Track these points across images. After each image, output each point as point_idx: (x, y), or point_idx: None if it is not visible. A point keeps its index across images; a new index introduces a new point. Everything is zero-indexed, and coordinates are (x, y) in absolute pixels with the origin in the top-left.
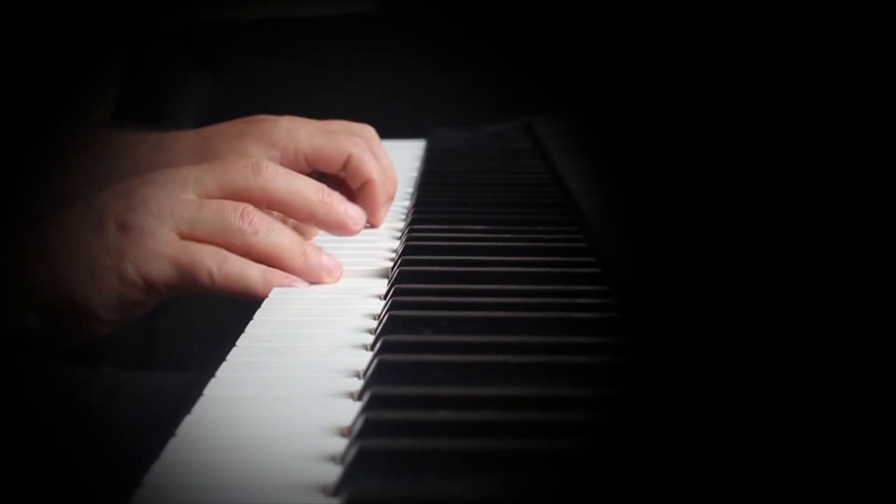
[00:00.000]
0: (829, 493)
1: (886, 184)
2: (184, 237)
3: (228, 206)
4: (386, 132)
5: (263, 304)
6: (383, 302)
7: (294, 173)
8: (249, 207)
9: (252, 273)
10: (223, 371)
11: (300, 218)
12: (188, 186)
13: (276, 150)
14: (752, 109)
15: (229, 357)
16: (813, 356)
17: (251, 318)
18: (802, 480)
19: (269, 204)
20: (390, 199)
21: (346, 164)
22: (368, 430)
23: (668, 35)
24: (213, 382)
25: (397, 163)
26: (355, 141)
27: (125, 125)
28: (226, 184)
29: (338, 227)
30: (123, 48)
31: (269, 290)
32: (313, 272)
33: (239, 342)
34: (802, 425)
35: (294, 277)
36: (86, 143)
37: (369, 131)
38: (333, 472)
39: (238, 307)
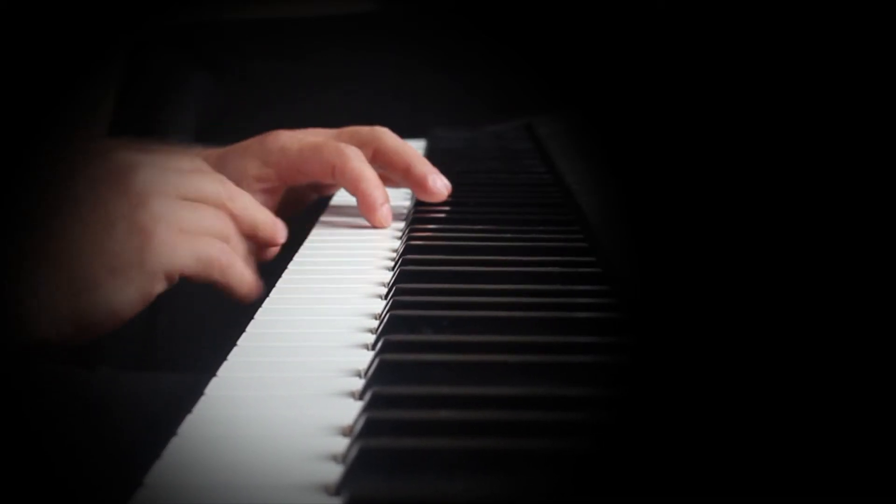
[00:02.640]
0: (829, 493)
1: (886, 184)
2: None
3: (209, 180)
4: None
5: (264, 304)
6: (384, 301)
7: (250, 202)
8: (228, 183)
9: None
10: (224, 370)
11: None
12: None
13: (269, 167)
14: (752, 109)
15: (230, 356)
16: (812, 356)
17: (252, 318)
18: (802, 480)
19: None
20: (420, 179)
21: (334, 173)
22: (370, 430)
23: (668, 35)
24: (214, 382)
25: None
26: (339, 153)
27: (124, 140)
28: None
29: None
30: (123, 48)
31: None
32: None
33: (240, 342)
34: (802, 425)
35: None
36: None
37: (378, 133)
38: (335, 472)
39: (238, 307)
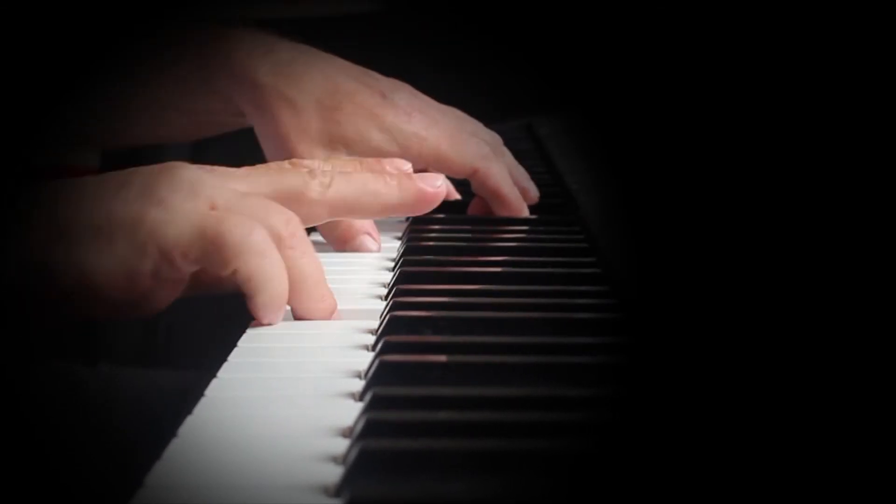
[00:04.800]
0: (829, 493)
1: (886, 184)
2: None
3: (275, 207)
4: None
5: None
6: (384, 302)
7: (346, 172)
8: (296, 219)
9: (275, 271)
10: (224, 371)
11: (373, 215)
12: (238, 179)
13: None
14: (752, 110)
15: (230, 357)
16: (811, 356)
17: (252, 318)
18: (802, 480)
19: (332, 212)
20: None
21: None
22: (370, 431)
23: (668, 35)
24: (214, 383)
25: None
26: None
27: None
28: (279, 187)
29: (418, 202)
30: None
31: (272, 306)
32: (309, 314)
33: (240, 343)
34: (801, 425)
35: (281, 314)
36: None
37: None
38: (335, 473)
39: (239, 306)
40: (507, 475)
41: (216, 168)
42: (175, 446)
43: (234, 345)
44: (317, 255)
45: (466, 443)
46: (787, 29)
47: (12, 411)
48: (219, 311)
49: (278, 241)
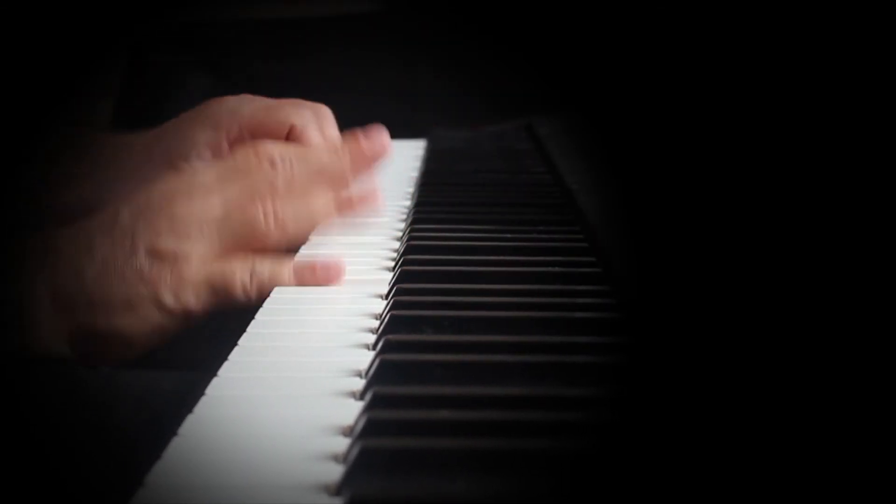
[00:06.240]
0: (829, 493)
1: (886, 184)
2: (216, 253)
3: (250, 205)
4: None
5: (265, 304)
6: (385, 301)
7: (302, 148)
8: (265, 152)
9: (283, 273)
10: (225, 370)
11: (336, 186)
12: (212, 195)
13: (220, 131)
14: (752, 110)
15: (231, 356)
16: (811, 356)
17: (253, 318)
18: (801, 480)
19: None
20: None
21: (289, 134)
22: (370, 430)
23: (668, 35)
24: (215, 382)
25: (397, 163)
26: (300, 112)
27: (119, 130)
28: (249, 190)
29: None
30: (123, 48)
31: (302, 283)
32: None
33: (241, 341)
34: (801, 425)
35: (321, 274)
36: (78, 149)
37: (322, 110)
38: (335, 472)
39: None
40: (507, 474)
41: (184, 182)
42: (176, 445)
43: (234, 344)
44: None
45: (467, 442)
46: (788, 29)
47: (13, 411)
48: (219, 311)
49: (266, 221)
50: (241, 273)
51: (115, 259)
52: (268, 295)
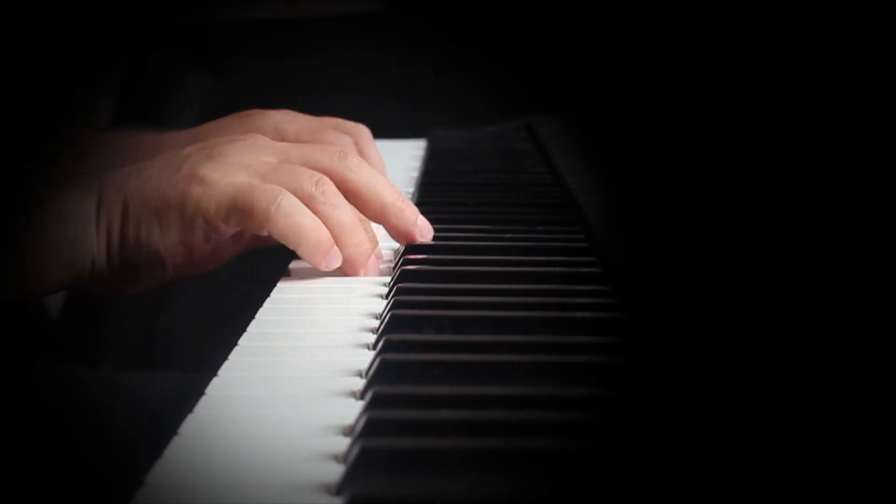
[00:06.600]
0: (829, 494)
1: (886, 185)
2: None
3: (306, 171)
4: (386, 132)
5: (265, 304)
6: (385, 301)
7: (376, 172)
8: (325, 179)
9: (307, 222)
10: (225, 370)
11: (371, 215)
12: (272, 153)
13: None
14: (752, 110)
15: (231, 356)
16: (811, 356)
17: (253, 318)
18: (801, 480)
19: (345, 193)
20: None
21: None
22: (371, 430)
23: (667, 35)
24: (215, 381)
25: (397, 163)
26: (341, 140)
27: (122, 128)
28: (310, 160)
29: (404, 235)
30: (124, 48)
31: (317, 251)
32: (357, 264)
33: (241, 341)
34: (801, 425)
35: (335, 256)
36: (78, 149)
37: (362, 130)
38: (336, 472)
39: (239, 307)
40: (507, 474)
41: (256, 142)
42: (176, 445)
43: (234, 344)
44: (350, 206)
45: (467, 442)
46: (788, 29)
47: (13, 411)
48: (219, 311)
49: (310, 200)
50: (267, 195)
51: (157, 176)
52: (288, 233)
